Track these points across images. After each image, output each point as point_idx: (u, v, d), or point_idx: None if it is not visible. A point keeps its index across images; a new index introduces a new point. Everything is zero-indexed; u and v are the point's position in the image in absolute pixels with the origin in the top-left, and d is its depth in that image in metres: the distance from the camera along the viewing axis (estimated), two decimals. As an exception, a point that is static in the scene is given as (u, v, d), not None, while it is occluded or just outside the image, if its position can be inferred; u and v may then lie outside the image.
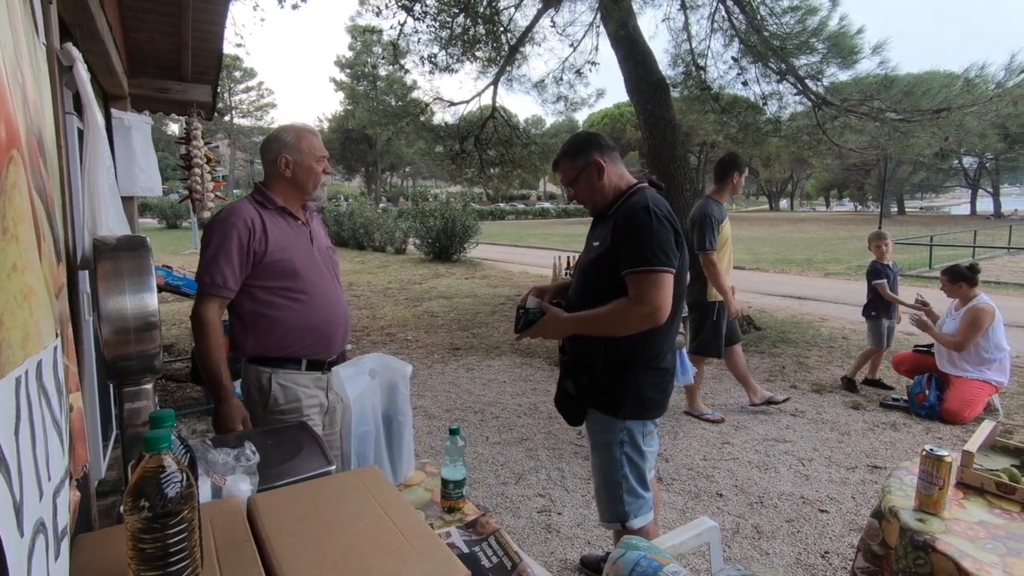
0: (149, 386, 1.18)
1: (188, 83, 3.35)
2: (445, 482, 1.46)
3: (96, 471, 2.52)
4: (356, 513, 1.02)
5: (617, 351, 1.69)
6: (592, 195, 1.78)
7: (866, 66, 5.87)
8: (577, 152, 1.78)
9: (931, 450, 1.51)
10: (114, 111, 3.08)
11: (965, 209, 44.12)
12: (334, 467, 1.32)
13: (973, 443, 1.73)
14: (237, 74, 46.26)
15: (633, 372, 1.69)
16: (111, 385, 1.37)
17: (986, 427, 1.87)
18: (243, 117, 47.68)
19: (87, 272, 1.24)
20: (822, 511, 2.79)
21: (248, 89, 48.35)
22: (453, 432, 1.47)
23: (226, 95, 45.15)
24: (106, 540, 0.97)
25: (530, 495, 2.96)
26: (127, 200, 3.28)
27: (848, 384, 4.56)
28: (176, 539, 0.73)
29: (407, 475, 1.64)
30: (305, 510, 1.02)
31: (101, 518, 1.66)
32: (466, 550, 1.25)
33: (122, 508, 0.74)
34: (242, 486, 1.07)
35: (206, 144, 3.63)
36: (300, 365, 1.83)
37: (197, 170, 3.51)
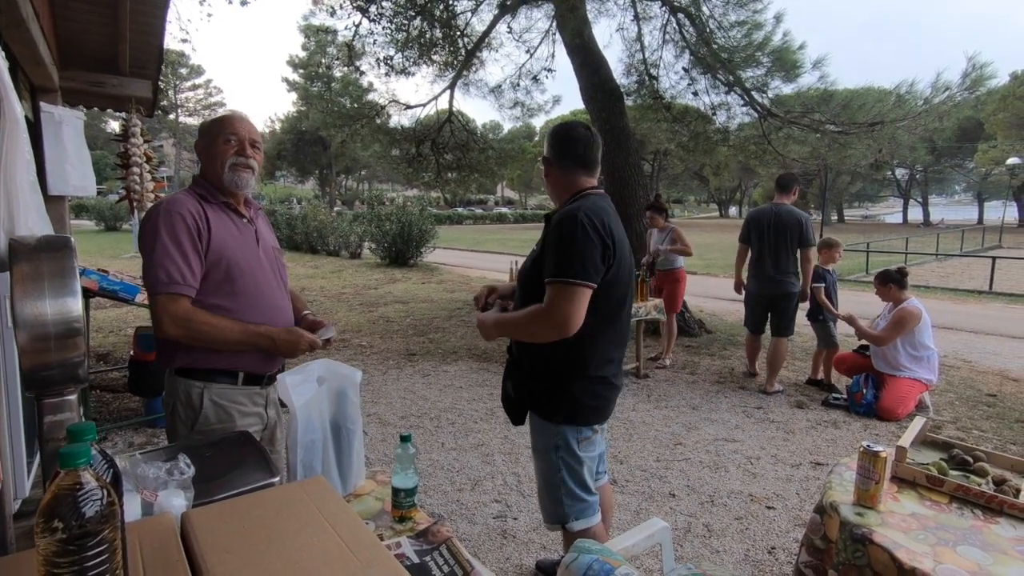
0: (73, 397, 1.10)
1: (126, 77, 3.16)
2: (396, 491, 1.42)
3: (20, 490, 2.34)
4: (299, 526, 0.98)
5: (542, 356, 1.72)
6: (548, 186, 1.85)
7: (807, 80, 6.18)
8: (549, 143, 1.81)
9: (868, 446, 1.58)
10: (44, 105, 2.88)
11: (898, 218, 46.87)
12: (278, 479, 1.26)
13: (906, 439, 1.82)
14: (183, 71, 44.48)
15: (566, 378, 1.71)
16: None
17: (917, 423, 1.97)
18: (189, 116, 45.85)
19: (6, 275, 1.15)
20: (769, 508, 2.88)
21: (195, 87, 46.56)
22: (404, 439, 1.43)
23: (171, 92, 43.33)
24: (22, 564, 0.89)
25: (486, 501, 2.94)
26: (58, 199, 3.09)
27: (816, 384, 4.82)
28: (95, 562, 0.68)
29: (357, 484, 1.59)
30: (244, 525, 0.97)
31: (23, 540, 1.54)
32: (417, 560, 1.22)
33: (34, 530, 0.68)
34: (175, 501, 1.00)
35: (146, 142, 3.46)
36: (236, 379, 1.67)
37: (136, 169, 3.32)
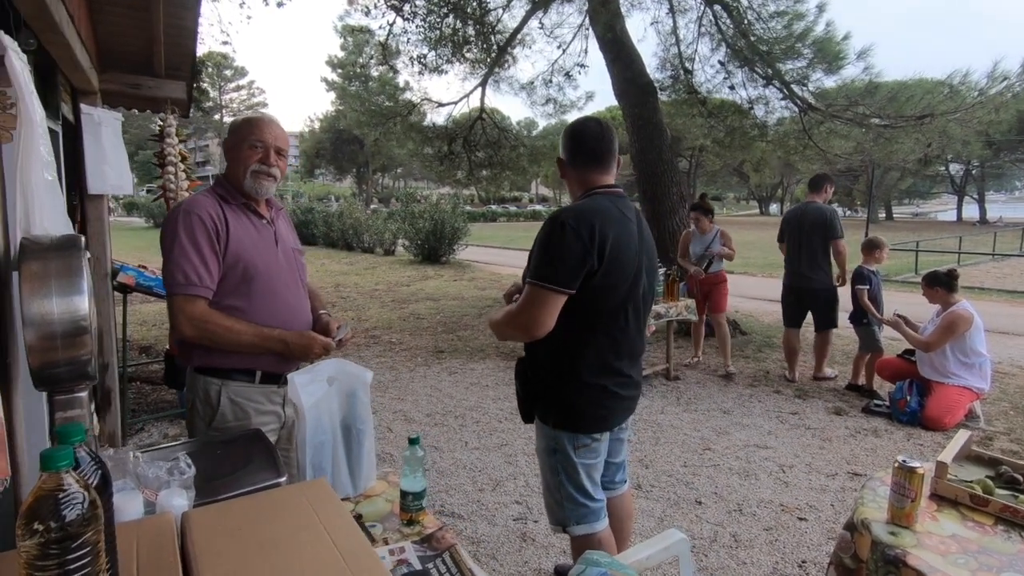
0: (83, 394, 1.11)
1: (161, 79, 3.26)
2: (404, 494, 1.40)
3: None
4: (295, 530, 0.97)
5: (538, 358, 1.71)
6: (569, 190, 1.81)
7: (851, 72, 5.90)
8: (561, 143, 1.78)
9: (903, 461, 1.48)
10: (83, 107, 2.99)
11: (952, 215, 44.59)
12: (284, 479, 1.26)
13: (948, 453, 1.70)
14: (228, 72, 45.99)
15: (558, 383, 1.68)
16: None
17: (961, 436, 1.84)
18: (234, 116, 47.31)
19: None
20: (801, 519, 2.76)
21: (239, 88, 48.06)
22: (412, 442, 1.41)
23: (216, 93, 44.84)
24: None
25: (507, 502, 2.91)
26: (96, 198, 3.20)
27: (856, 389, 4.60)
28: (77, 565, 0.67)
29: (368, 485, 1.58)
30: (241, 526, 0.97)
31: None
32: (419, 566, 1.19)
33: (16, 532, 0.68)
34: (175, 501, 1.01)
35: (182, 142, 3.55)
36: (253, 378, 1.69)
37: (171, 168, 3.43)
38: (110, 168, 3.08)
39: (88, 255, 1.24)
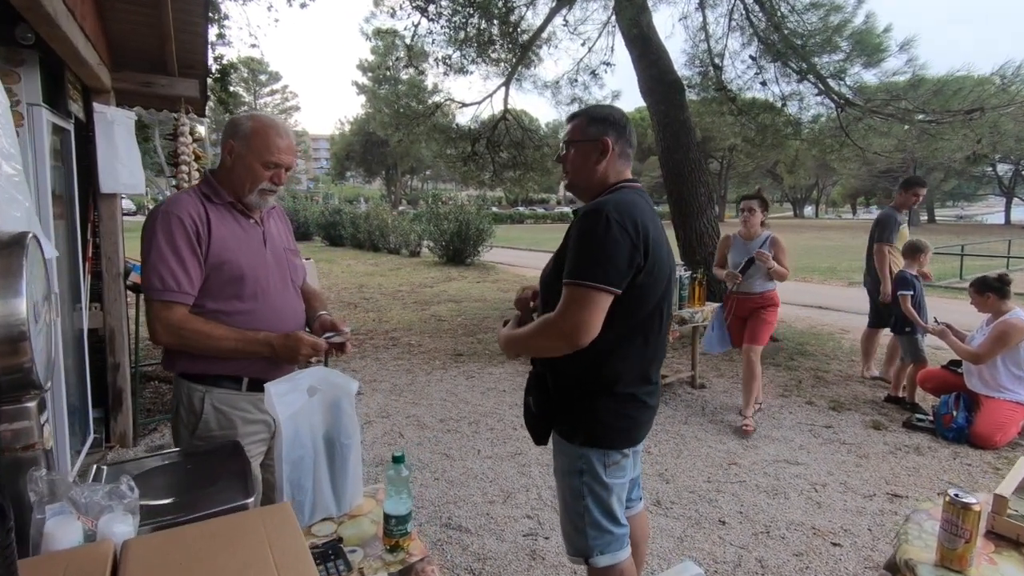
0: (31, 405, 1.03)
1: (174, 77, 3.23)
2: (387, 517, 1.28)
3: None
4: (242, 565, 0.85)
5: (565, 370, 1.52)
6: (579, 171, 1.58)
7: (892, 65, 5.57)
8: (597, 119, 1.56)
9: (956, 496, 1.29)
10: (96, 105, 2.98)
11: (999, 218, 42.60)
12: (251, 499, 1.15)
13: (1007, 485, 1.50)
14: (263, 77, 47.04)
15: (589, 395, 1.50)
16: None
17: (1023, 464, 1.63)
18: (267, 120, 48.35)
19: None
20: (835, 544, 2.55)
21: (273, 92, 49.11)
22: (396, 460, 1.29)
23: (251, 98, 45.92)
24: None
25: (517, 516, 2.77)
26: (109, 197, 3.18)
27: (896, 402, 4.31)
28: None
29: (353, 504, 1.46)
30: (183, 559, 0.86)
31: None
32: (395, 603, 1.07)
33: None
34: (117, 528, 0.90)
35: (195, 141, 3.53)
36: (240, 385, 1.60)
37: (184, 167, 3.41)
38: (123, 166, 3.06)
39: (50, 255, 1.15)
